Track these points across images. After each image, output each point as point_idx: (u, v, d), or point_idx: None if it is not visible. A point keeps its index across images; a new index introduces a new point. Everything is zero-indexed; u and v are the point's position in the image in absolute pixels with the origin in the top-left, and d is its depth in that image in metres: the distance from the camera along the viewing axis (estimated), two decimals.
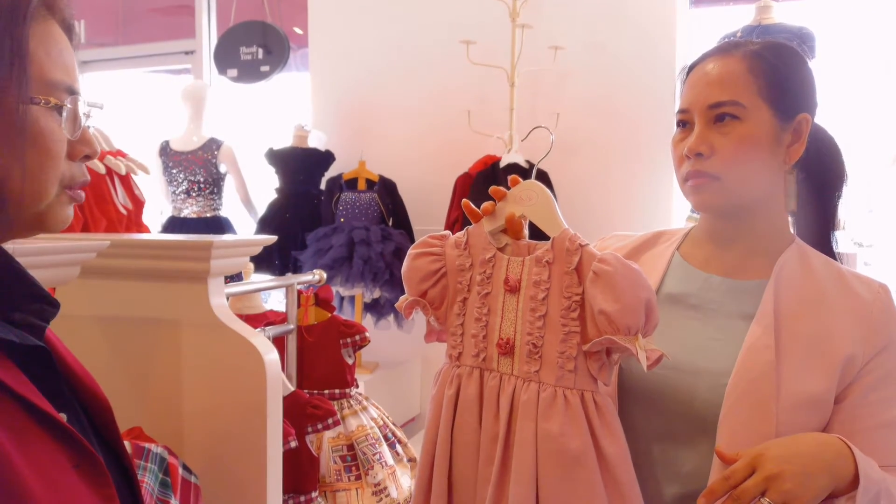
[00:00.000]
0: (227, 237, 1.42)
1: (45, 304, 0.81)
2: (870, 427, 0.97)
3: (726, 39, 1.13)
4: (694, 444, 1.02)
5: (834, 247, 1.15)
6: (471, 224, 1.08)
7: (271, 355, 1.39)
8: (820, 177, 1.12)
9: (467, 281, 1.05)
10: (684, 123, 1.08)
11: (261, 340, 1.39)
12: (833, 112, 3.05)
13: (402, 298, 1.09)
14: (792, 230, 1.14)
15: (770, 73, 1.02)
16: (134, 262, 1.38)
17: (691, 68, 1.10)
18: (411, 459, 2.09)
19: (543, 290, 0.99)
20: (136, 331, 1.42)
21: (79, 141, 0.77)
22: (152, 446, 1.29)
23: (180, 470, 1.33)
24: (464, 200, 1.09)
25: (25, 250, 1.02)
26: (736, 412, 0.97)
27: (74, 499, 0.71)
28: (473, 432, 1.01)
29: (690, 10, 3.39)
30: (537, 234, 1.05)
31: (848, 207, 1.17)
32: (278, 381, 1.41)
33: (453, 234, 1.09)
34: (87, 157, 0.80)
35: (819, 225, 1.14)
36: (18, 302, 0.79)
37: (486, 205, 1.06)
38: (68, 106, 0.75)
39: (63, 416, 0.75)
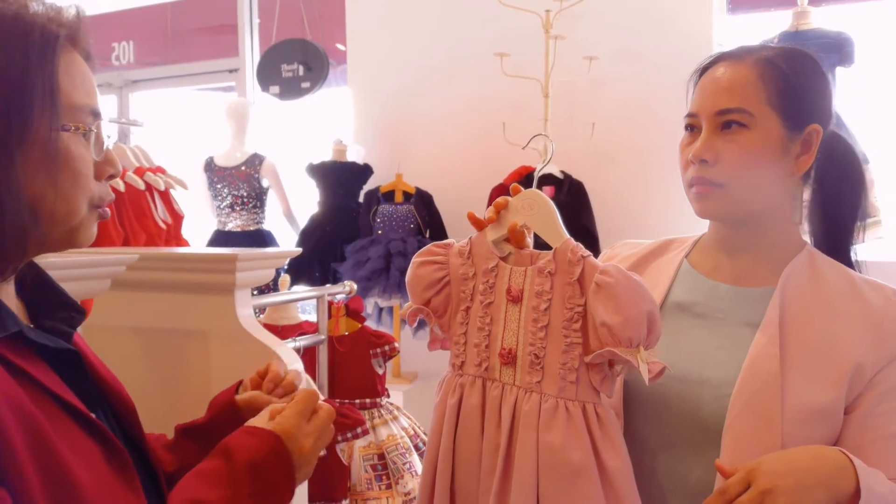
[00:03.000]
0: (251, 250, 1.46)
1: (73, 312, 0.88)
2: (880, 438, 0.95)
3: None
4: (700, 454, 1.01)
5: (852, 258, 1.11)
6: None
7: (297, 364, 1.43)
8: (835, 191, 1.09)
9: (470, 290, 1.06)
10: (692, 127, 1.07)
11: (285, 350, 1.43)
12: (872, 118, 2.99)
13: (406, 306, 1.10)
14: (806, 240, 1.12)
15: (781, 80, 1.01)
16: (163, 275, 1.44)
17: (703, 71, 1.09)
18: None
19: (545, 300, 0.99)
20: (167, 341, 1.48)
21: (103, 161, 0.83)
22: None
23: None
24: (468, 212, 1.10)
25: (58, 263, 1.08)
26: (740, 423, 0.96)
27: (109, 486, 0.76)
28: (476, 442, 1.01)
29: (728, 16, 3.35)
30: (543, 243, 1.05)
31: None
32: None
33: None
34: (112, 177, 0.86)
35: (835, 239, 1.11)
36: (49, 310, 0.86)
37: (488, 213, 1.07)
38: (94, 130, 0.80)
39: (93, 415, 0.80)
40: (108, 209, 0.86)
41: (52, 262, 0.92)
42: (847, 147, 1.10)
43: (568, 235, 1.01)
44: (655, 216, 3.24)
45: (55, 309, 0.87)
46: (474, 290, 1.06)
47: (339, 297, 2.05)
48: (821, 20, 2.84)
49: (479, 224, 1.08)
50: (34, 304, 0.87)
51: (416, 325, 3.45)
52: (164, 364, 1.49)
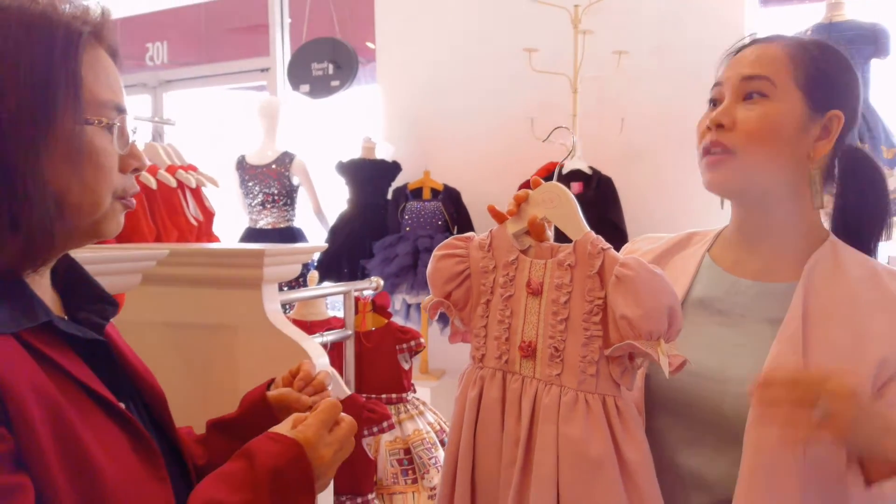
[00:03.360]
0: (278, 245, 1.48)
1: (105, 304, 0.91)
2: None
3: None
4: (721, 451, 1.00)
5: (876, 241, 1.08)
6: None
7: (322, 359, 1.45)
8: (858, 205, 1.07)
9: (490, 283, 1.06)
10: (714, 102, 1.07)
11: (312, 344, 1.45)
12: None
13: (427, 299, 1.10)
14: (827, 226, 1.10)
15: (810, 63, 1.01)
16: (192, 270, 1.47)
17: (736, 53, 1.08)
18: None
19: (565, 293, 0.99)
20: (196, 335, 1.50)
21: (128, 155, 0.85)
22: None
23: None
24: (489, 205, 1.10)
25: (91, 258, 1.11)
26: (763, 421, 0.94)
27: (134, 475, 0.78)
28: (496, 434, 1.02)
29: (760, 9, 3.31)
30: (563, 235, 1.05)
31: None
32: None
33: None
34: (137, 170, 0.88)
35: (862, 245, 1.07)
36: (83, 302, 0.89)
37: (509, 206, 1.07)
38: (117, 124, 0.82)
39: (122, 405, 0.83)
40: (133, 200, 0.88)
41: (85, 257, 0.94)
42: (869, 161, 1.08)
43: (588, 228, 1.00)
44: (685, 213, 3.19)
45: (89, 301, 0.89)
46: (494, 283, 1.06)
47: (366, 292, 2.06)
48: (855, 11, 2.79)
49: (499, 217, 1.08)
50: (69, 296, 0.89)
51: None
52: (192, 358, 1.52)
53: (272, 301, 1.48)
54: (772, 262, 1.06)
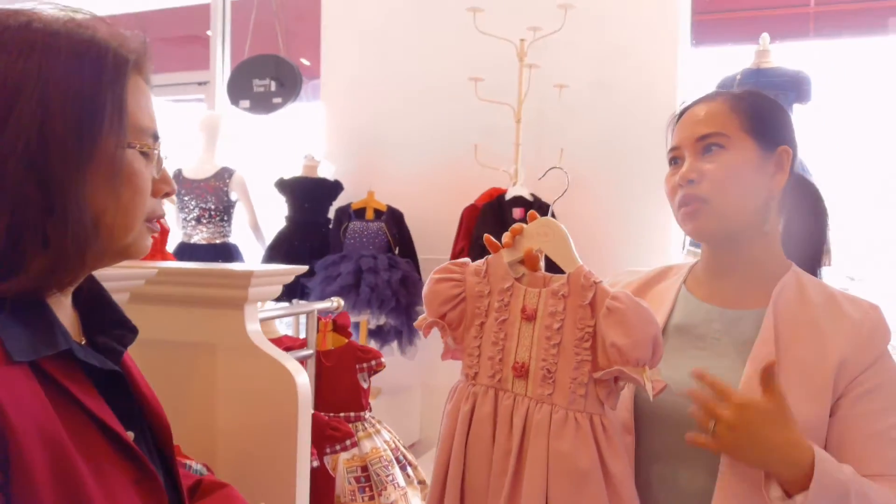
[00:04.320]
0: (265, 267, 1.51)
1: (125, 330, 0.92)
2: (859, 438, 1.06)
3: (721, 86, 1.23)
4: (701, 464, 1.10)
5: (820, 268, 1.25)
6: (479, 254, 1.16)
7: (302, 377, 1.48)
8: (803, 222, 1.22)
9: (485, 307, 1.13)
10: (675, 160, 1.19)
11: (292, 364, 1.47)
12: (830, 149, 3.18)
13: (420, 318, 1.17)
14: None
15: (750, 110, 1.15)
16: (177, 290, 1.47)
17: (680, 115, 1.21)
18: (421, 482, 2.16)
19: (558, 320, 1.07)
20: (176, 354, 1.50)
21: (160, 180, 0.88)
22: (192, 462, 1.37)
23: None
24: (486, 235, 1.18)
25: None
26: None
27: None
28: (487, 447, 1.09)
29: (691, 49, 3.52)
30: (552, 265, 1.14)
31: (838, 242, 1.27)
32: (308, 402, 1.49)
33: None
34: (167, 195, 0.90)
35: (807, 267, 1.22)
36: (104, 326, 0.90)
37: (505, 238, 1.14)
38: (157, 151, 0.85)
39: (131, 435, 0.84)
40: (157, 224, 0.91)
41: None
42: (812, 188, 1.23)
43: (581, 262, 1.09)
44: (620, 241, 3.36)
45: (109, 325, 0.90)
46: (489, 307, 1.13)
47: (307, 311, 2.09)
48: (780, 59, 3.02)
49: (494, 247, 1.16)
50: (90, 318, 0.89)
51: (381, 341, 3.53)
52: (170, 377, 1.51)
53: (253, 321, 1.50)
54: (741, 291, 1.18)
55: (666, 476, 1.12)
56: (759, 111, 1.15)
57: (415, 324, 1.20)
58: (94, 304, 0.91)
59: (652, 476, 1.13)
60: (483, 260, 1.17)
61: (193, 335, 1.50)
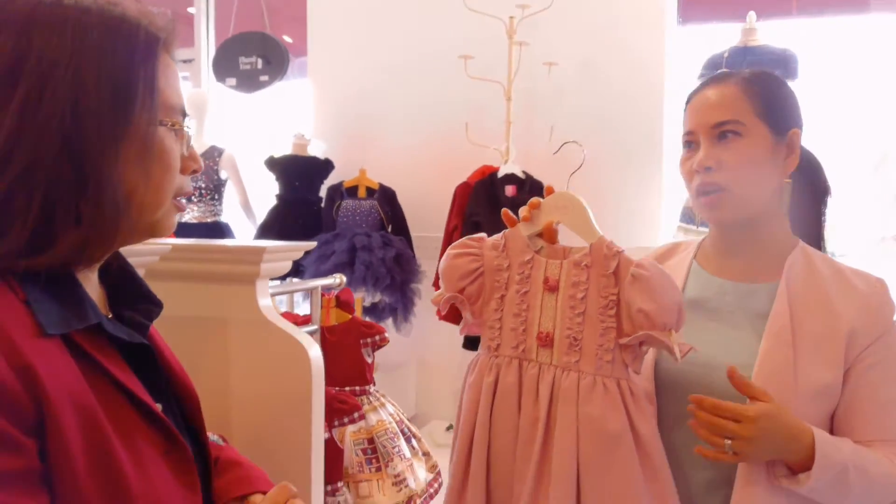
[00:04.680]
0: (276, 243, 1.53)
1: (151, 305, 0.94)
2: (864, 406, 1.13)
3: (716, 68, 1.26)
4: None
5: (823, 244, 1.31)
6: (471, 232, 1.19)
7: (315, 350, 1.51)
8: (806, 191, 1.27)
9: (504, 280, 1.17)
10: (690, 144, 1.22)
11: (305, 338, 1.51)
12: (816, 126, 3.23)
13: (437, 294, 1.20)
14: None
15: (763, 94, 1.18)
16: (191, 266, 1.50)
17: (691, 96, 1.25)
18: (425, 453, 2.21)
19: (582, 290, 1.11)
20: (189, 329, 1.52)
21: (189, 157, 0.89)
22: (210, 434, 1.40)
23: None
24: (503, 210, 1.21)
25: None
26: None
27: (160, 483, 0.82)
28: (513, 415, 1.13)
29: (678, 27, 3.56)
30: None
31: (827, 218, 1.33)
32: (321, 374, 1.53)
33: (452, 240, 1.21)
34: (195, 172, 0.92)
35: (810, 236, 1.29)
36: (130, 301, 0.92)
37: (523, 212, 1.18)
38: (187, 128, 0.87)
39: (159, 407, 0.86)
40: (184, 201, 0.93)
41: None
42: (809, 154, 1.28)
43: (601, 233, 1.13)
44: (610, 217, 3.38)
45: (135, 300, 0.92)
46: (509, 280, 1.17)
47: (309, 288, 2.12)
48: (767, 37, 3.06)
49: (511, 221, 1.20)
50: (116, 292, 0.92)
51: (375, 318, 3.56)
52: (185, 351, 1.53)
53: (264, 296, 1.53)
54: (753, 266, 1.23)
55: (688, 442, 1.17)
56: (771, 95, 1.18)
57: (431, 300, 1.23)
58: (121, 279, 0.93)
59: (675, 442, 1.18)
60: (500, 234, 1.20)
61: (207, 310, 1.52)
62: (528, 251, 1.17)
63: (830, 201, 1.31)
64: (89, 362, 0.78)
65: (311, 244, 1.64)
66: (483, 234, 1.22)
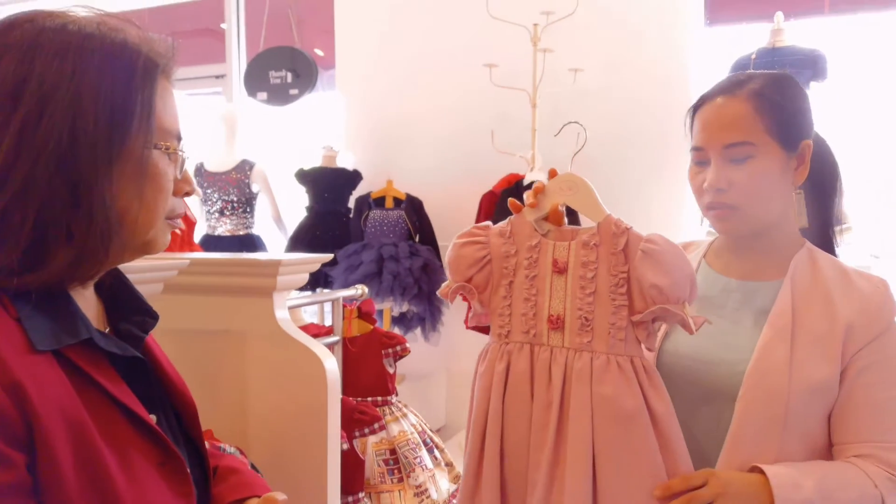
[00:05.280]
0: (292, 256, 1.55)
1: (146, 317, 0.96)
2: (858, 406, 1.12)
3: (743, 70, 1.24)
4: (715, 420, 1.16)
5: (834, 245, 1.30)
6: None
7: (331, 362, 1.52)
8: (818, 183, 1.26)
9: (512, 266, 1.16)
10: (700, 161, 1.21)
11: (321, 349, 1.52)
12: (846, 129, 3.17)
13: (444, 285, 1.20)
14: None
15: (774, 110, 1.15)
16: (208, 279, 1.52)
17: (699, 105, 1.23)
18: (448, 464, 2.21)
19: (592, 269, 1.10)
20: (207, 342, 1.56)
21: (182, 180, 0.92)
22: (226, 445, 1.42)
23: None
24: (509, 199, 1.21)
25: (122, 268, 1.16)
26: (751, 394, 1.12)
27: (154, 493, 0.83)
28: (525, 403, 1.12)
29: (705, 28, 3.51)
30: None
31: (858, 220, 1.32)
32: (337, 385, 1.54)
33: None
34: (187, 194, 0.94)
35: (821, 227, 1.28)
36: (126, 313, 0.94)
37: (528, 198, 1.17)
38: (181, 152, 0.89)
39: (153, 418, 0.88)
40: (179, 221, 0.94)
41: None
42: (822, 142, 1.27)
43: (609, 211, 1.12)
44: (636, 223, 3.37)
45: (131, 313, 0.94)
46: (517, 266, 1.16)
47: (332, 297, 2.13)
48: (795, 37, 3.01)
49: (516, 208, 1.20)
50: (113, 306, 0.94)
51: (404, 328, 3.57)
52: (203, 364, 1.57)
53: (282, 308, 1.55)
54: (759, 265, 1.24)
55: (685, 436, 1.17)
56: (784, 110, 1.16)
57: (438, 291, 1.21)
58: (117, 293, 0.95)
59: None
60: (506, 221, 1.19)
61: (225, 323, 1.55)
62: (535, 235, 1.16)
63: (844, 194, 1.31)
64: (81, 377, 0.80)
65: (328, 256, 1.66)
66: (489, 223, 1.21)
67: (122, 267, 1.23)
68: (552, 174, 1.18)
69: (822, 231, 1.29)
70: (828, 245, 1.28)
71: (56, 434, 0.74)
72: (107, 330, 0.91)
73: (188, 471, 0.89)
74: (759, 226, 1.19)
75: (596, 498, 1.06)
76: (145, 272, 1.32)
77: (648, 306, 1.06)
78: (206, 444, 1.04)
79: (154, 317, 0.97)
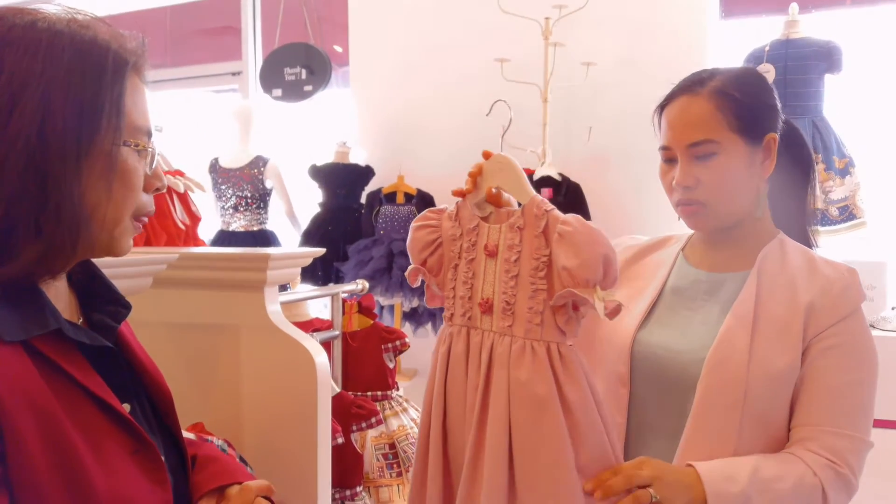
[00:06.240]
0: (281, 250, 1.55)
1: (119, 307, 0.96)
2: (815, 389, 1.13)
3: (757, 62, 1.24)
4: (680, 409, 1.18)
5: (809, 233, 1.30)
6: None
7: (321, 357, 1.52)
8: (789, 170, 1.26)
9: (458, 249, 1.16)
10: (668, 160, 1.23)
11: (312, 343, 1.52)
12: (859, 122, 3.10)
13: (409, 268, 1.20)
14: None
15: (736, 107, 1.17)
16: (199, 273, 1.53)
17: (665, 104, 1.24)
18: None
19: (515, 252, 1.09)
20: (200, 336, 1.56)
21: (153, 176, 0.92)
22: (214, 438, 1.43)
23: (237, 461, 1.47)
24: (455, 189, 1.19)
25: (110, 262, 1.16)
26: (711, 378, 1.14)
27: (128, 482, 0.84)
28: (462, 383, 1.13)
29: (720, 21, 3.46)
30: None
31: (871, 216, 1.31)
32: (328, 380, 1.54)
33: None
34: (158, 190, 0.94)
35: (796, 216, 1.29)
36: (98, 303, 0.95)
37: (467, 183, 1.17)
38: (150, 149, 0.89)
39: (126, 407, 0.89)
40: (145, 219, 0.94)
41: (105, 261, 0.99)
42: (792, 129, 1.26)
43: (534, 192, 1.10)
44: (650, 216, 3.33)
45: (105, 303, 0.95)
46: (461, 249, 1.16)
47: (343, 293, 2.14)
48: (810, 29, 2.95)
49: (461, 194, 1.19)
50: (87, 297, 0.95)
51: (415, 323, 3.58)
52: (195, 358, 1.58)
53: (273, 303, 1.55)
54: (730, 257, 1.25)
55: (655, 425, 1.20)
56: (745, 106, 1.17)
57: (405, 273, 1.22)
58: (90, 284, 0.95)
59: (644, 425, 1.22)
60: (455, 204, 1.19)
61: (217, 317, 1.55)
62: (474, 218, 1.15)
63: (815, 180, 1.31)
64: (52, 368, 0.80)
65: (319, 251, 1.66)
66: (445, 206, 1.21)
67: (115, 259, 1.25)
68: (486, 156, 1.17)
69: (798, 222, 1.29)
70: (803, 236, 1.29)
71: (23, 423, 0.74)
72: (80, 321, 0.92)
73: (162, 458, 0.89)
74: (728, 220, 1.21)
75: (513, 481, 1.06)
76: (137, 265, 1.33)
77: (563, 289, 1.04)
78: (186, 434, 1.05)
79: (126, 306, 0.98)
